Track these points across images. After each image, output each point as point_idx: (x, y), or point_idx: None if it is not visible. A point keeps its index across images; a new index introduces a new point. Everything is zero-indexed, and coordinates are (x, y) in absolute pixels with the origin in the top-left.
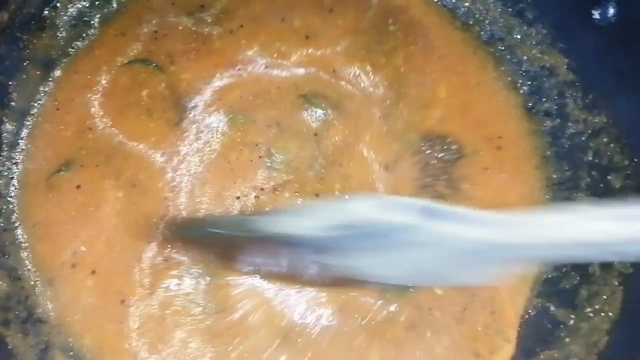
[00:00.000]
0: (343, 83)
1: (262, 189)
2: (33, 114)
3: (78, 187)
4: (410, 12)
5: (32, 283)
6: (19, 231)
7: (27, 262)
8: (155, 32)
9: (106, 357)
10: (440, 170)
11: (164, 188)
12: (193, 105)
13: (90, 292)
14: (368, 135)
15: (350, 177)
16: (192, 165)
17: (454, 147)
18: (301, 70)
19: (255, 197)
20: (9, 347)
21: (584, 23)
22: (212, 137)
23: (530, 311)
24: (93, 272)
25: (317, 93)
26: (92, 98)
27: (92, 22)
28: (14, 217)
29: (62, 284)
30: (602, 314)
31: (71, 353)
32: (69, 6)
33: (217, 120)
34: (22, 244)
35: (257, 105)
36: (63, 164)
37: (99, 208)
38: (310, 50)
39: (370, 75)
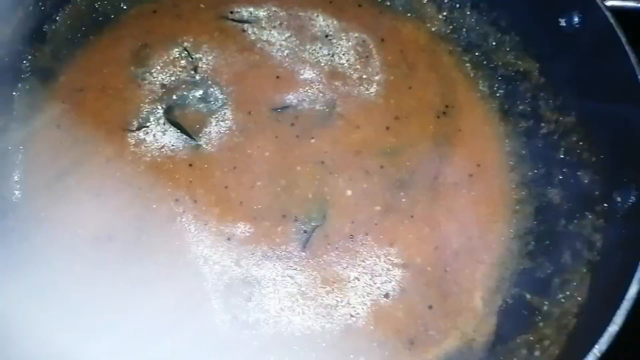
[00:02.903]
0: None
1: None
2: (35, 122)
3: (78, 188)
4: None
5: None
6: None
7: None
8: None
9: None
10: None
11: None
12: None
13: None
14: None
15: None
16: None
17: None
18: None
19: None
20: None
21: (552, 30)
22: None
23: (508, 300)
24: None
25: None
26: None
27: (88, 32)
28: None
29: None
30: (572, 299)
31: None
32: (68, 21)
33: None
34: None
35: None
36: (63, 169)
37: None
38: None
39: None
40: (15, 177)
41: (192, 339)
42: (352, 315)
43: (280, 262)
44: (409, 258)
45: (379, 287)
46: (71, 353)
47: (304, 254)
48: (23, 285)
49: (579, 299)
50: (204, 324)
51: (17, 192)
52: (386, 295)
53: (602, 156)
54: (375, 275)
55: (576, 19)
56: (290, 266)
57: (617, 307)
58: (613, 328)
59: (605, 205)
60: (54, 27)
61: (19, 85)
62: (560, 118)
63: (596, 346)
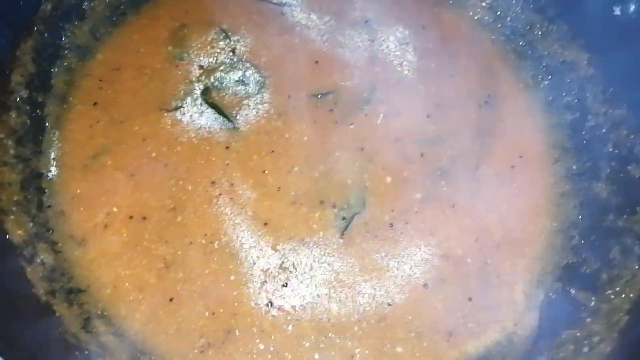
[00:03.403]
0: None
1: None
2: (72, 99)
3: (114, 167)
4: None
5: (72, 254)
6: (60, 206)
7: (65, 232)
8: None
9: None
10: None
11: None
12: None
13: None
14: None
15: None
16: None
17: None
18: None
19: None
20: (57, 314)
21: (605, 19)
22: None
23: (551, 294)
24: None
25: None
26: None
27: (126, 10)
28: (56, 194)
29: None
30: (623, 295)
31: (109, 321)
32: None
33: None
34: (62, 217)
35: None
36: (100, 148)
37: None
38: None
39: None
40: (52, 154)
41: (226, 322)
42: (389, 304)
43: (317, 248)
44: (449, 249)
45: (418, 277)
46: None
47: (342, 241)
48: None
49: (631, 295)
50: (238, 308)
51: (53, 169)
52: (425, 286)
53: None
54: (415, 265)
55: (632, 7)
56: (328, 253)
57: None
58: None
59: None
60: (92, 5)
61: (57, 62)
62: (610, 110)
63: None
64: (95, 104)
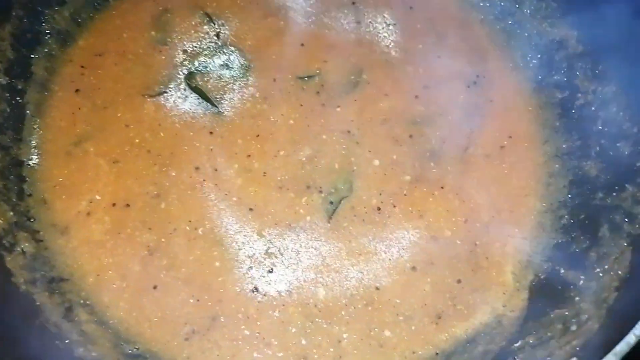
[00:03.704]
0: None
1: None
2: (53, 86)
3: (96, 154)
4: None
5: (54, 242)
6: (41, 194)
7: (47, 221)
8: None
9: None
10: None
11: None
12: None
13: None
14: None
15: None
16: None
17: None
18: None
19: None
20: (37, 303)
21: None
22: None
23: (540, 275)
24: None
25: None
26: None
27: None
28: (37, 182)
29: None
30: (612, 273)
31: (92, 309)
32: None
33: None
34: (44, 205)
35: None
36: (82, 135)
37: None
38: None
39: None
40: (33, 142)
41: (211, 309)
42: (377, 288)
43: (304, 233)
44: (438, 231)
45: (406, 260)
46: None
47: (329, 225)
48: None
49: (620, 272)
50: (223, 294)
51: (34, 157)
52: (413, 269)
53: None
54: (403, 248)
55: None
56: (315, 237)
57: None
58: None
59: None
60: None
61: (38, 48)
62: (599, 88)
63: None
64: (77, 90)
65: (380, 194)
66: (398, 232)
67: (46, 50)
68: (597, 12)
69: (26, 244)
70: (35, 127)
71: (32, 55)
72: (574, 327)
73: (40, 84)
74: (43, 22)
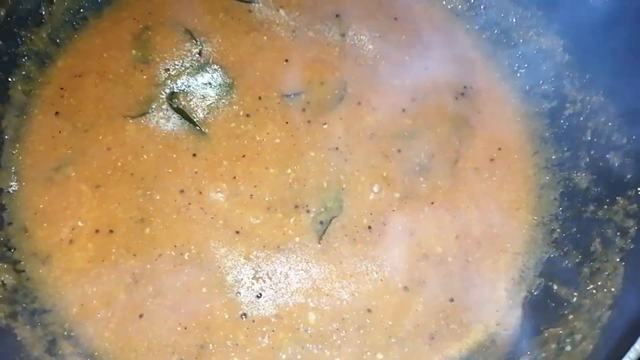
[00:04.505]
0: None
1: None
2: (32, 109)
3: (78, 179)
4: None
5: (35, 272)
6: (22, 222)
7: (28, 250)
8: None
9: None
10: None
11: None
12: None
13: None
14: None
15: None
16: None
17: None
18: None
19: None
20: (18, 338)
21: (578, 4)
22: None
23: (533, 291)
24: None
25: None
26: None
27: (87, 14)
28: (17, 210)
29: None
30: (605, 290)
31: (76, 341)
32: (65, 2)
33: None
34: (24, 234)
35: None
36: (63, 159)
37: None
38: None
39: None
40: (12, 168)
41: (198, 337)
42: (369, 310)
43: (293, 255)
44: (429, 248)
45: (397, 281)
46: None
47: (319, 246)
48: None
49: (613, 289)
50: (211, 321)
51: (13, 184)
52: (405, 289)
53: (634, 137)
54: (394, 268)
55: None
56: (305, 259)
57: None
58: None
59: (638, 189)
60: (51, 9)
61: (15, 70)
62: (587, 97)
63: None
64: (57, 113)
65: (371, 213)
66: (389, 251)
67: (24, 72)
68: (583, 20)
69: (6, 276)
70: (14, 152)
71: (9, 79)
72: (568, 348)
73: (18, 107)
74: (20, 44)
